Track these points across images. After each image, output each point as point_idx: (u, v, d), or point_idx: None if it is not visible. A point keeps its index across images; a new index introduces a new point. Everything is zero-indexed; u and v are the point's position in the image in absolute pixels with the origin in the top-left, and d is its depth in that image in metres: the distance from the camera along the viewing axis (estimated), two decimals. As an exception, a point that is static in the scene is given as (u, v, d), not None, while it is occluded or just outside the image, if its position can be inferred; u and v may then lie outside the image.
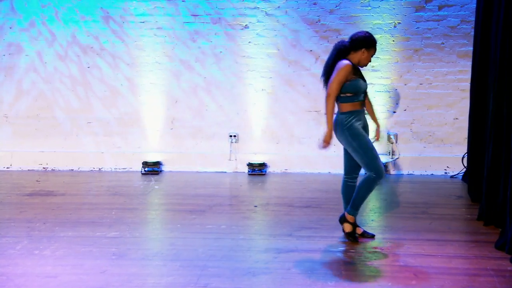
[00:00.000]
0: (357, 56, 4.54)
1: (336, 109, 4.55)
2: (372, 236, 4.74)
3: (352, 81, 4.48)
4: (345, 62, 4.46)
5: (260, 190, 6.66)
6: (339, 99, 4.54)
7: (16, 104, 7.54)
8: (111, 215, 5.45)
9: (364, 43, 4.53)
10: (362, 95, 4.58)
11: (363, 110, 4.61)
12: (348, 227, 4.69)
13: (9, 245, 4.54)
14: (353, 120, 4.50)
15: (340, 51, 4.55)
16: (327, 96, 4.49)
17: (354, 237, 4.65)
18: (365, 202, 4.70)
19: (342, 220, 4.76)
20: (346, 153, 4.71)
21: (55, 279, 3.87)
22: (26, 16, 7.38)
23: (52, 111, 7.54)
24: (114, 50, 7.44)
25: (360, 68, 4.63)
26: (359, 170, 4.76)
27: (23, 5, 7.36)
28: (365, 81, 4.62)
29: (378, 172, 4.49)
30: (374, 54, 4.61)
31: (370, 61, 4.64)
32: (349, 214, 4.69)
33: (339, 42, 4.62)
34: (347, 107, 4.53)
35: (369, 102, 4.86)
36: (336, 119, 4.58)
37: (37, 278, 3.89)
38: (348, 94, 4.50)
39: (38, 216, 5.39)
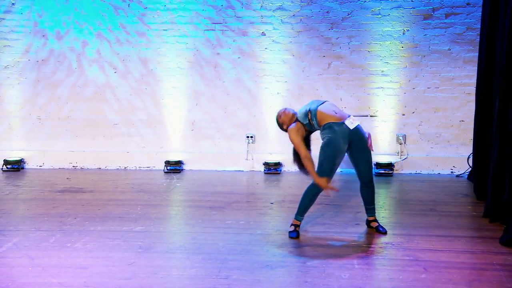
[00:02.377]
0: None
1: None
2: (384, 233, 4.73)
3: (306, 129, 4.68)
4: (290, 127, 4.71)
5: (275, 188, 6.66)
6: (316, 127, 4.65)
7: (48, 106, 7.61)
8: (137, 210, 5.49)
9: (281, 125, 4.86)
10: (315, 119, 4.60)
11: (342, 120, 4.57)
12: (291, 227, 4.73)
13: (43, 238, 4.59)
14: (330, 131, 4.53)
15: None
16: (303, 159, 4.63)
17: (291, 235, 4.66)
18: (309, 207, 4.71)
19: (368, 223, 4.87)
20: (353, 162, 4.69)
21: (86, 270, 3.91)
22: (56, 25, 7.44)
23: (81, 113, 7.60)
24: (138, 56, 7.48)
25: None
26: (370, 174, 4.73)
27: (55, 15, 7.42)
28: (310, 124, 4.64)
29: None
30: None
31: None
32: (295, 218, 4.73)
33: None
34: (324, 122, 4.60)
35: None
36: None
37: (69, 269, 3.93)
38: (306, 124, 4.67)
39: (69, 212, 5.44)
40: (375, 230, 4.79)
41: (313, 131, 4.76)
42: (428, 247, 4.40)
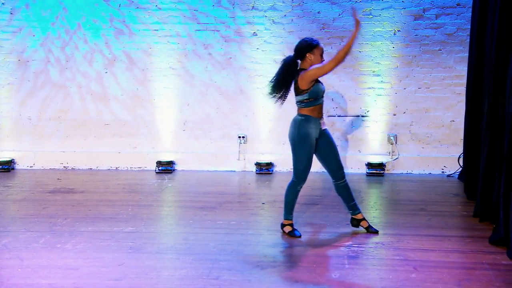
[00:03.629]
0: (306, 63, 4.53)
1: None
2: (376, 232, 4.74)
3: (314, 86, 4.47)
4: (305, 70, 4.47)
5: (267, 188, 6.67)
6: (300, 103, 4.54)
7: (38, 107, 7.57)
8: (128, 211, 5.48)
9: (305, 49, 4.52)
10: (322, 98, 4.57)
11: (320, 118, 4.57)
12: (287, 228, 4.72)
13: (33, 239, 4.57)
14: (308, 125, 4.51)
15: (288, 64, 4.57)
16: (330, 64, 4.33)
17: (295, 235, 4.66)
18: (294, 204, 4.72)
19: (356, 223, 4.83)
20: (322, 159, 4.68)
21: (76, 271, 3.90)
22: (46, 25, 7.41)
23: (72, 113, 7.57)
24: (130, 57, 7.46)
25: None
26: (341, 169, 4.70)
27: (45, 14, 7.39)
28: (322, 84, 4.60)
29: (299, 178, 4.60)
30: (322, 52, 4.55)
31: (322, 60, 4.54)
32: (285, 218, 4.73)
33: (286, 57, 4.65)
34: (306, 111, 4.54)
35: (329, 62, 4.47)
36: (293, 118, 4.62)
37: (59, 270, 3.92)
38: (309, 99, 4.49)
39: (60, 212, 5.42)
40: (366, 230, 4.78)
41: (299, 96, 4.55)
42: (418, 246, 4.42)
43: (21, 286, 3.63)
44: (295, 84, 4.52)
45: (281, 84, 4.60)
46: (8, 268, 3.95)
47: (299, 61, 4.57)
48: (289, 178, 6.99)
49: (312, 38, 4.64)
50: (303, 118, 4.54)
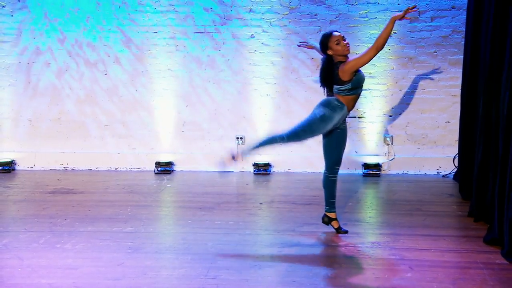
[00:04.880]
0: (335, 55, 4.48)
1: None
2: (345, 232, 4.72)
3: (356, 76, 4.44)
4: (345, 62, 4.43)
5: (265, 189, 6.67)
6: (341, 91, 4.47)
7: (38, 108, 7.56)
8: (127, 211, 5.47)
9: (324, 44, 4.51)
10: (361, 88, 4.56)
11: (349, 111, 4.56)
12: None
13: (33, 239, 4.56)
14: (338, 114, 4.47)
15: (324, 62, 4.57)
16: (370, 53, 4.31)
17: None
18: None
19: (328, 221, 4.79)
20: (327, 147, 4.65)
21: (76, 271, 3.89)
22: (47, 27, 7.40)
23: (72, 115, 7.56)
24: (129, 58, 7.46)
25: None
26: (339, 165, 4.70)
27: (46, 18, 7.38)
28: (362, 72, 4.57)
29: (289, 138, 4.59)
30: (336, 40, 4.45)
31: (345, 46, 4.46)
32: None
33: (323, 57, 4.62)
34: (344, 100, 4.49)
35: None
36: (329, 100, 4.53)
37: (59, 270, 3.91)
38: (351, 89, 4.45)
39: (60, 213, 5.41)
40: (336, 231, 4.72)
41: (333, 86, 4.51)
42: (413, 246, 4.43)
43: (21, 285, 3.63)
44: (336, 77, 4.43)
45: (323, 82, 4.61)
46: (8, 267, 3.94)
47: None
48: (287, 178, 7.08)
49: (326, 32, 4.59)
50: (339, 105, 4.47)
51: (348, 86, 4.44)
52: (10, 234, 4.70)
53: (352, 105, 4.56)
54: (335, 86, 4.50)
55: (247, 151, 4.72)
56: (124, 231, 4.83)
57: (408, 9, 4.36)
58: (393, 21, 4.36)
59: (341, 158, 4.70)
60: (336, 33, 4.51)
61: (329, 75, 4.52)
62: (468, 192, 5.76)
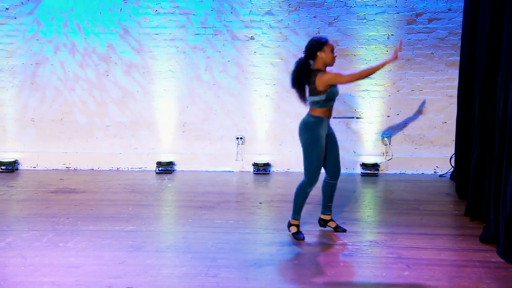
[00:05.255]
0: (319, 62, 4.44)
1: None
2: (344, 231, 4.71)
3: (331, 88, 4.42)
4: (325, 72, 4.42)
5: (264, 188, 6.67)
6: (315, 103, 4.46)
7: (41, 109, 7.57)
8: (128, 210, 5.47)
9: (315, 48, 4.43)
10: (333, 101, 4.52)
11: (329, 119, 4.55)
12: (293, 229, 4.67)
13: (36, 238, 4.57)
14: (319, 126, 4.46)
15: (300, 66, 4.49)
16: (351, 78, 4.40)
17: (299, 237, 4.60)
18: (303, 205, 4.64)
19: (324, 223, 4.79)
20: (327, 154, 4.62)
21: (78, 269, 3.90)
22: (50, 29, 7.40)
23: (74, 115, 7.57)
24: (130, 60, 7.46)
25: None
26: (339, 170, 4.67)
27: (49, 21, 7.39)
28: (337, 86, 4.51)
29: (310, 180, 4.50)
30: (332, 48, 4.43)
31: (334, 57, 4.44)
32: (293, 218, 4.66)
33: (298, 58, 4.57)
34: (319, 112, 4.47)
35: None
36: (304, 119, 4.54)
37: (61, 268, 3.92)
38: (325, 100, 4.43)
39: (62, 212, 5.42)
40: (334, 230, 4.73)
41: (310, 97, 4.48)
42: (411, 245, 4.43)
43: (24, 283, 3.63)
44: (312, 85, 4.40)
45: (294, 85, 4.55)
46: (11, 266, 3.95)
47: (311, 61, 4.47)
48: (286, 178, 7.07)
49: (320, 37, 4.54)
50: (316, 120, 4.47)
51: (322, 97, 4.42)
52: (14, 233, 4.71)
53: (328, 114, 4.53)
54: (310, 97, 4.47)
55: (296, 216, 4.66)
56: (126, 230, 4.83)
57: (397, 48, 4.37)
58: (385, 64, 4.39)
59: (339, 163, 4.67)
60: (331, 43, 4.49)
61: (300, 80, 4.49)
62: (464, 191, 5.76)
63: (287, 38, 7.29)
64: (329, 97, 4.44)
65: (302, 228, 4.80)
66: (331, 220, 4.78)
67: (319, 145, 4.46)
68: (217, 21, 7.32)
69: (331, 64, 4.47)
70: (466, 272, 3.85)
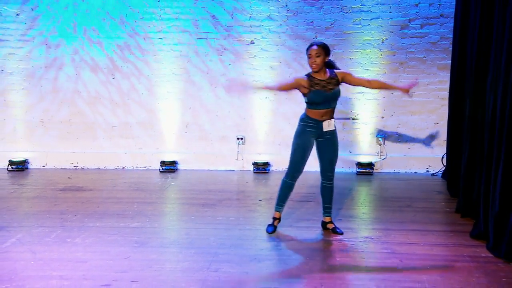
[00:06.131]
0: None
1: None
2: (341, 233, 4.59)
3: (309, 93, 4.41)
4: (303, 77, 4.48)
5: (264, 186, 6.67)
6: (306, 102, 4.51)
7: (51, 110, 7.57)
8: (133, 208, 5.48)
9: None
10: (323, 105, 4.41)
11: (321, 120, 4.44)
12: (330, 225, 4.68)
13: (45, 234, 4.57)
14: (306, 124, 4.47)
15: None
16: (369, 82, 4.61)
17: (267, 229, 4.65)
18: (282, 195, 4.71)
19: (324, 225, 4.76)
20: (318, 157, 4.60)
21: (85, 264, 3.90)
22: (59, 35, 7.41)
23: (82, 117, 7.57)
24: (136, 63, 7.47)
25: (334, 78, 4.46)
26: (332, 172, 4.61)
27: (56, 26, 7.39)
28: (329, 91, 4.41)
29: (288, 170, 4.60)
30: (312, 55, 4.38)
31: (311, 63, 4.39)
32: (275, 210, 4.73)
33: None
34: (307, 111, 4.51)
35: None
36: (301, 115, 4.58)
37: (69, 263, 3.92)
38: (306, 102, 4.47)
39: (70, 209, 5.42)
40: (331, 231, 4.65)
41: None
42: (404, 240, 4.43)
43: (33, 277, 3.63)
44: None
45: None
46: (22, 261, 3.95)
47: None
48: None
49: (314, 41, 4.67)
50: (303, 117, 4.52)
51: (305, 99, 4.47)
52: (24, 229, 4.71)
53: (319, 116, 4.45)
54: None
55: (276, 206, 4.74)
56: (131, 226, 4.83)
57: (411, 86, 4.57)
58: (397, 88, 4.62)
59: (332, 165, 4.59)
60: (312, 48, 4.42)
61: None
62: (455, 189, 5.77)
63: (285, 42, 7.29)
64: (309, 100, 4.44)
65: (300, 224, 4.81)
66: (330, 222, 4.71)
67: (301, 140, 4.48)
68: (218, 26, 7.33)
69: (311, 68, 4.45)
70: (457, 266, 3.86)
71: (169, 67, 7.45)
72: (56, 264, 3.89)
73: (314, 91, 4.39)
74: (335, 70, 4.51)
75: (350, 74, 4.54)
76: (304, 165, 4.59)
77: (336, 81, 4.46)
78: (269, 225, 4.71)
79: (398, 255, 4.09)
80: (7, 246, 4.26)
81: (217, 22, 7.32)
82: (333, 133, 4.54)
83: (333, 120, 4.52)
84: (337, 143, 4.59)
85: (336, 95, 4.48)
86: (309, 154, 4.57)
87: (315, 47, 4.40)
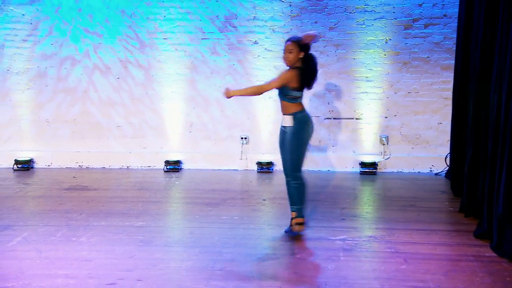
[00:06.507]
0: None
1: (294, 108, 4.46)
2: (293, 234, 4.50)
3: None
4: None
5: (267, 186, 6.67)
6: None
7: (56, 110, 7.58)
8: (138, 207, 5.48)
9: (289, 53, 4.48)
10: (279, 96, 4.50)
11: (283, 114, 4.51)
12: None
13: (51, 233, 4.58)
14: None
15: None
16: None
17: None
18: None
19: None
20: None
21: (91, 262, 3.91)
22: (65, 35, 7.43)
23: (87, 116, 7.59)
24: (140, 63, 7.47)
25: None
26: (285, 169, 4.54)
27: (62, 25, 7.41)
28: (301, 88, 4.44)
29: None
30: (285, 50, 4.46)
31: (284, 58, 4.49)
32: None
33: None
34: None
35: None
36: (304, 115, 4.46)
37: (75, 262, 3.93)
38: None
39: (75, 208, 5.43)
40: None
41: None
42: (408, 240, 4.43)
43: (39, 276, 3.64)
44: None
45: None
46: (28, 259, 3.96)
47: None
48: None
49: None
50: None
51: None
52: (29, 228, 4.72)
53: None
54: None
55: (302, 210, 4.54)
56: (136, 225, 4.84)
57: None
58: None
59: (285, 162, 4.48)
60: (286, 43, 4.47)
61: None
62: (459, 189, 5.75)
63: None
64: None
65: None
66: (293, 217, 4.51)
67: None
68: (222, 26, 7.32)
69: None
70: (460, 266, 3.85)
71: (173, 67, 7.46)
72: (61, 262, 3.90)
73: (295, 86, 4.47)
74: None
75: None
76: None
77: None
78: (291, 230, 4.53)
79: (402, 254, 4.08)
80: (13, 245, 4.28)
81: (222, 22, 7.32)
82: (288, 131, 4.43)
83: (287, 117, 4.44)
84: (290, 143, 4.42)
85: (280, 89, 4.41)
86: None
87: (289, 42, 4.43)
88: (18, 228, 4.72)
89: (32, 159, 7.57)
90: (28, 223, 4.89)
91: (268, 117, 7.43)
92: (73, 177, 7.00)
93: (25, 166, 7.45)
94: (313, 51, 7.07)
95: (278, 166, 7.42)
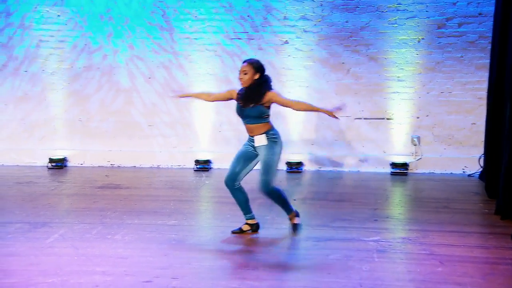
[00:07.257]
0: None
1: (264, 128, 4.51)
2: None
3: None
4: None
5: (297, 186, 6.66)
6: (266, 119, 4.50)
7: (89, 110, 7.72)
8: (170, 205, 5.53)
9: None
10: (244, 120, 4.59)
11: (251, 136, 4.63)
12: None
13: (86, 230, 4.66)
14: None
15: None
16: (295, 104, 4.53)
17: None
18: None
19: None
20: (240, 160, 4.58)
21: (126, 260, 3.96)
22: (97, 36, 7.55)
23: (119, 116, 7.70)
24: (171, 63, 7.55)
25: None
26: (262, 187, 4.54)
27: (94, 27, 7.53)
28: (245, 106, 4.52)
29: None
30: (240, 71, 4.56)
31: (239, 78, 4.58)
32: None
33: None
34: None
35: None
36: (276, 134, 4.53)
37: (111, 259, 3.98)
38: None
39: (109, 206, 5.51)
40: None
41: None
42: (442, 242, 4.36)
43: (78, 272, 3.71)
44: None
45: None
46: (65, 256, 4.04)
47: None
48: (318, 176, 7.04)
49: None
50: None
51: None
52: (65, 225, 4.81)
53: (249, 131, 4.64)
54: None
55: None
56: (168, 224, 4.88)
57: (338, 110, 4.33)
58: (322, 111, 4.44)
59: (272, 177, 4.53)
60: (242, 64, 4.56)
61: None
62: (494, 191, 5.63)
63: (320, 42, 7.26)
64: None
65: (335, 224, 4.77)
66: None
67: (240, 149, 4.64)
68: (253, 26, 7.34)
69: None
70: (499, 269, 3.77)
71: (204, 67, 7.51)
72: (98, 260, 3.96)
73: (237, 103, 4.53)
74: (268, 90, 4.46)
75: (275, 95, 4.47)
76: (237, 172, 4.61)
77: (259, 99, 4.42)
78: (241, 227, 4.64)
79: (437, 256, 4.02)
80: (51, 242, 4.37)
81: (252, 22, 7.34)
82: (263, 149, 4.47)
83: (262, 136, 4.48)
84: (269, 161, 4.45)
85: (253, 113, 4.44)
86: (249, 164, 4.62)
87: (244, 64, 4.51)
88: (55, 225, 4.82)
89: (65, 157, 7.73)
90: (64, 221, 4.99)
91: (298, 116, 7.41)
92: (106, 175, 7.11)
93: (58, 165, 7.61)
94: (344, 50, 7.04)
95: (308, 166, 7.40)
